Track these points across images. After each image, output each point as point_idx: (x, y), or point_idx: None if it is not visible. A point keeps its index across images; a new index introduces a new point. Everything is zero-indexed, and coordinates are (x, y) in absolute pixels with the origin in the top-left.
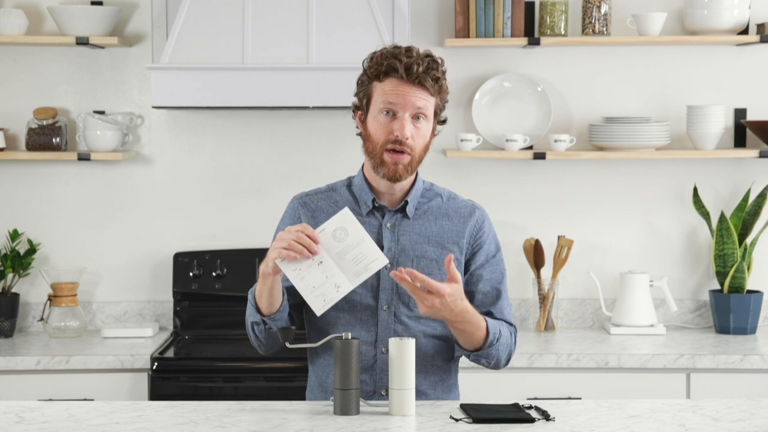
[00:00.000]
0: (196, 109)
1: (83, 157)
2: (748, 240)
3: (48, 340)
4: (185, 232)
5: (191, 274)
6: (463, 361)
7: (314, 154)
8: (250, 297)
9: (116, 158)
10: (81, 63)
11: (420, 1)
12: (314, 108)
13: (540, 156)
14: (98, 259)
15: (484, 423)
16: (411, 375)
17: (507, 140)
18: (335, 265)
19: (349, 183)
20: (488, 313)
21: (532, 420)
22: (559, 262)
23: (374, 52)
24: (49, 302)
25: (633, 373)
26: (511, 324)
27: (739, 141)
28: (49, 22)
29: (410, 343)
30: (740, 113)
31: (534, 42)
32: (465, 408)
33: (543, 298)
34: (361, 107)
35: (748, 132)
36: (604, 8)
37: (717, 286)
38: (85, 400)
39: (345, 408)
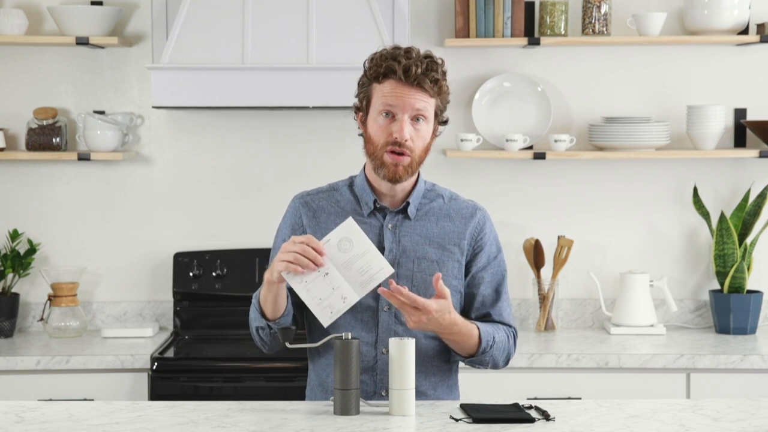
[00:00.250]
0: (196, 109)
1: (83, 157)
2: (748, 240)
3: (48, 340)
4: (185, 232)
5: (191, 274)
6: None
7: (314, 154)
8: (254, 301)
9: (116, 158)
10: (81, 63)
11: (420, 1)
12: (314, 108)
13: (540, 156)
14: (98, 259)
15: (484, 423)
16: (411, 375)
17: (507, 140)
18: (341, 276)
19: (350, 183)
20: (487, 315)
21: (532, 420)
22: (559, 262)
23: (374, 53)
24: (49, 302)
25: (633, 373)
26: (510, 326)
27: (739, 141)
28: (49, 22)
29: (410, 344)
30: (740, 113)
31: (534, 42)
32: (465, 408)
33: (543, 298)
34: (362, 109)
35: (748, 132)
36: (604, 8)
37: (717, 286)
38: (85, 400)
39: (345, 408)
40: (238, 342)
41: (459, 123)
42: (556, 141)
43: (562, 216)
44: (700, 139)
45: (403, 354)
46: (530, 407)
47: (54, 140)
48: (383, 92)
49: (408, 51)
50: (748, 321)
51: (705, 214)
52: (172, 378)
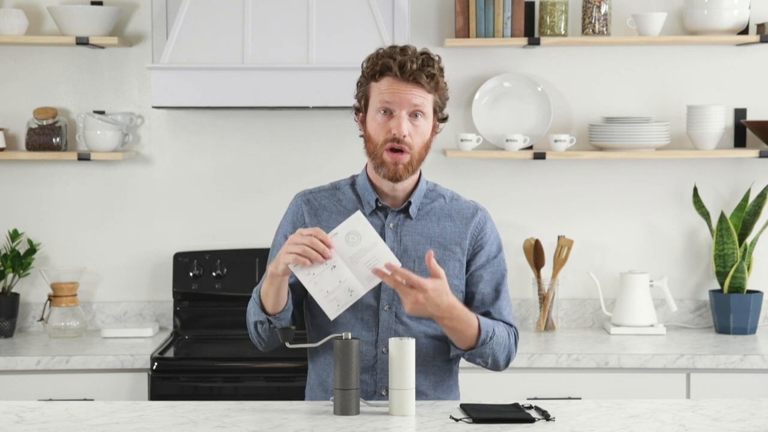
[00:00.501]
0: (196, 109)
1: (83, 157)
2: (748, 240)
3: (48, 340)
4: (185, 232)
5: (191, 274)
6: (464, 361)
7: (314, 154)
8: (254, 295)
9: (116, 158)
10: (81, 63)
11: (420, 1)
12: (314, 108)
13: (540, 156)
14: (98, 259)
15: (484, 423)
16: (411, 375)
17: (507, 140)
18: (348, 269)
19: (352, 182)
20: (486, 314)
21: (532, 420)
22: (559, 262)
23: (371, 54)
24: (49, 302)
25: (633, 373)
26: (510, 325)
27: (739, 141)
28: (49, 22)
29: (410, 343)
30: (740, 113)
31: (534, 42)
32: (465, 408)
33: (543, 298)
34: (361, 109)
35: (748, 132)
36: (604, 8)
37: (717, 286)
38: (85, 400)
39: (345, 408)
40: (238, 342)
41: (459, 123)
42: (556, 141)
43: (562, 216)
44: (700, 139)
45: (403, 354)
46: (530, 407)
47: (54, 140)
48: (380, 90)
49: (404, 48)
50: (748, 321)
51: (705, 214)
52: (172, 378)
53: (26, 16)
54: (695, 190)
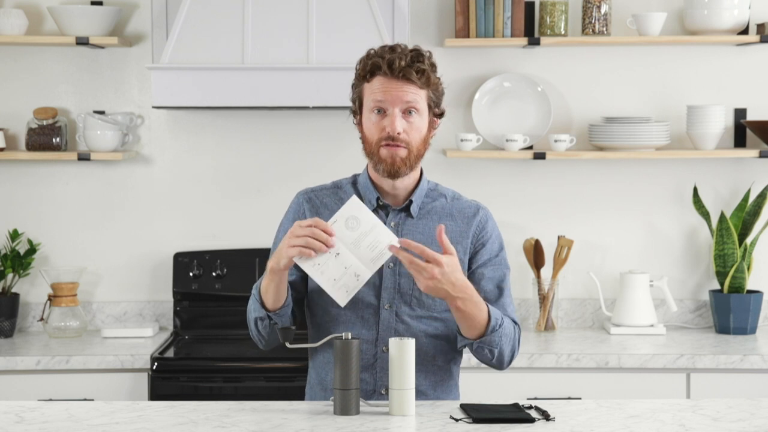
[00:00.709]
0: (196, 109)
1: (83, 157)
2: (748, 240)
3: (48, 340)
4: (185, 232)
5: (191, 274)
6: (464, 361)
7: (314, 154)
8: (254, 292)
9: (116, 158)
10: (81, 63)
11: (420, 1)
12: (314, 108)
13: (540, 156)
14: (98, 259)
15: (484, 423)
16: (411, 375)
17: (507, 140)
18: (352, 255)
19: (354, 181)
20: None
21: (532, 420)
22: (559, 262)
23: (362, 55)
24: (49, 302)
25: (633, 373)
26: (515, 322)
27: (739, 141)
28: (49, 22)
29: (410, 343)
30: (740, 113)
31: (534, 42)
32: (465, 408)
33: (543, 298)
34: (356, 110)
35: (748, 132)
36: (604, 8)
37: (717, 286)
38: (85, 400)
39: (345, 408)
40: (238, 342)
41: (459, 123)
42: (556, 141)
43: (562, 216)
44: (700, 139)
45: (403, 354)
46: (530, 407)
47: (54, 140)
48: (372, 89)
49: (393, 47)
50: (748, 321)
51: (705, 214)
52: (172, 378)
53: (26, 16)
54: (695, 190)
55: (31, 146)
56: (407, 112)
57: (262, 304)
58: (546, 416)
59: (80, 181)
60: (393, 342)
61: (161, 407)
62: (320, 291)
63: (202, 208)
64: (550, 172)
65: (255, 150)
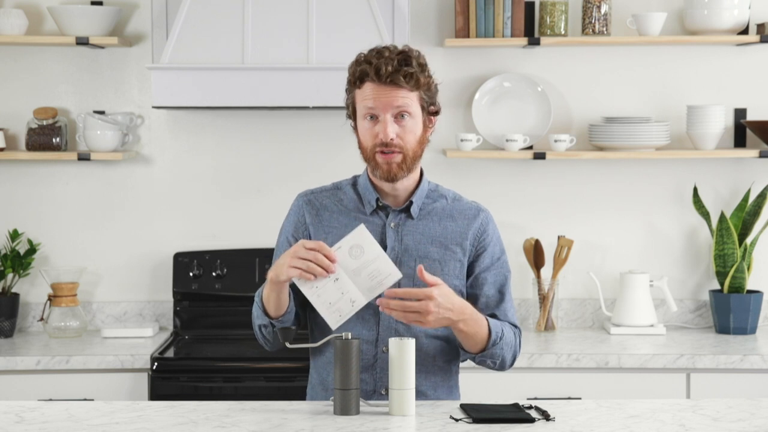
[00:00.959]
0: (196, 109)
1: (83, 157)
2: (748, 240)
3: (48, 340)
4: (185, 232)
5: (191, 274)
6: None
7: (314, 154)
8: (257, 299)
9: (116, 158)
10: (81, 63)
11: (420, 1)
12: (314, 108)
13: (540, 156)
14: (98, 259)
15: (484, 423)
16: (411, 375)
17: (507, 140)
18: (351, 282)
19: (354, 182)
20: (492, 316)
21: (532, 420)
22: (559, 262)
23: (353, 60)
24: (49, 302)
25: (633, 373)
26: (515, 326)
27: (739, 141)
28: (49, 22)
29: (410, 343)
30: (740, 113)
31: (534, 42)
32: (465, 408)
33: (543, 298)
34: (351, 115)
35: (748, 132)
36: (604, 8)
37: (717, 286)
38: (85, 400)
39: (345, 408)
40: (238, 342)
41: (459, 123)
42: (556, 141)
43: (562, 216)
44: (700, 139)
45: (403, 354)
46: (530, 407)
47: (54, 140)
48: (363, 96)
49: (380, 51)
50: (748, 321)
51: (705, 214)
52: (172, 378)
53: (26, 16)
54: (695, 190)
55: (31, 146)
56: (399, 116)
57: (265, 312)
58: (546, 416)
59: (80, 181)
60: (393, 342)
61: (161, 407)
62: None
63: (202, 208)
64: (550, 172)
65: (255, 150)
